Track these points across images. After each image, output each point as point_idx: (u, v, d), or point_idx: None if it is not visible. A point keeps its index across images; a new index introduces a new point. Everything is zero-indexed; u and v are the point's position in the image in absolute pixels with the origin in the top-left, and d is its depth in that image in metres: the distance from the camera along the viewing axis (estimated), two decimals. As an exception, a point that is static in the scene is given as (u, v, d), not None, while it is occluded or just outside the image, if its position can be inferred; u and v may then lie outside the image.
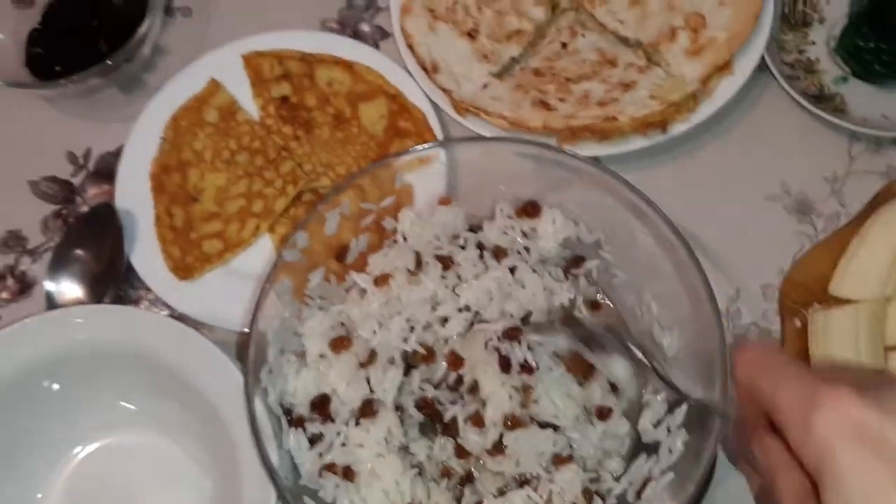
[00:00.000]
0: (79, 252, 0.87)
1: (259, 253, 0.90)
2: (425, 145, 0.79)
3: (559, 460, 0.71)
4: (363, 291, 0.78)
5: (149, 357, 0.73)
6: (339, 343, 0.74)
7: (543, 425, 0.71)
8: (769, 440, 0.52)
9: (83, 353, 0.74)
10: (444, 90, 0.90)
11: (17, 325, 0.74)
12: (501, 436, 0.71)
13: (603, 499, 0.71)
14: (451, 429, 0.72)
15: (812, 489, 0.48)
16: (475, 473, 0.73)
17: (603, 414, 0.72)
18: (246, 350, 0.70)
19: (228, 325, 0.84)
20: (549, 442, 0.71)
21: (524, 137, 0.83)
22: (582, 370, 0.72)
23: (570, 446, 0.72)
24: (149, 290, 0.88)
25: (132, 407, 0.78)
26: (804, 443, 0.47)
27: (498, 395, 0.72)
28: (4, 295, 0.91)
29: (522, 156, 0.79)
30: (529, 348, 0.72)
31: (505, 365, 0.71)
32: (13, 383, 0.73)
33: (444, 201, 0.80)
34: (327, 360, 0.74)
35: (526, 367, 0.71)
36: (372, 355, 0.74)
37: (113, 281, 0.86)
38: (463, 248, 0.79)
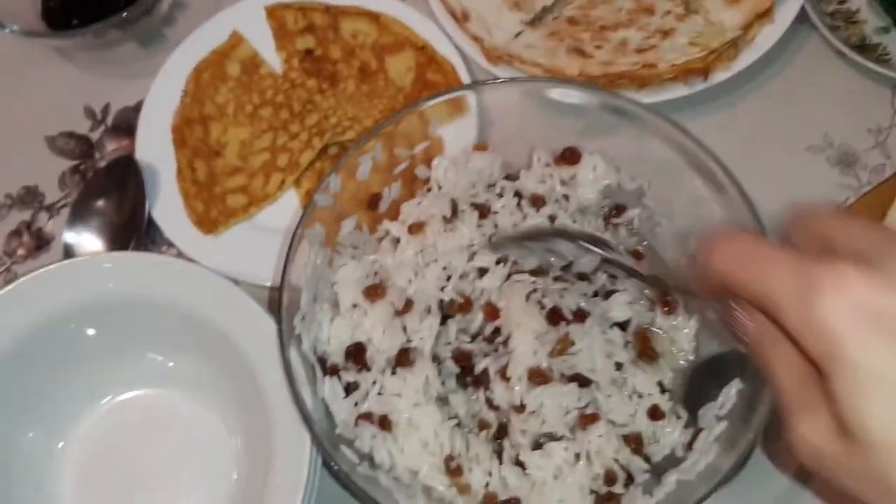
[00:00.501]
0: (99, 203, 0.84)
1: (284, 207, 0.87)
2: (463, 87, 0.75)
3: (585, 419, 0.67)
4: (396, 241, 0.75)
5: (180, 307, 0.70)
6: (374, 291, 0.71)
7: (573, 379, 0.68)
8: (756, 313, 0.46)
9: (113, 301, 0.71)
10: (476, 39, 0.87)
11: (44, 270, 0.71)
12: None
13: (647, 459, 0.68)
14: (481, 381, 0.69)
15: (814, 371, 0.42)
16: (509, 427, 0.70)
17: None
18: (277, 302, 0.67)
19: (254, 279, 0.82)
20: (573, 398, 0.67)
21: (566, 79, 0.80)
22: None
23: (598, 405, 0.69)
24: (171, 245, 0.85)
25: (160, 359, 0.75)
26: (806, 331, 0.41)
27: (524, 348, 0.69)
28: (20, 252, 0.88)
29: (558, 102, 0.76)
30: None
31: (554, 317, 0.67)
32: (40, 328, 0.70)
33: (480, 147, 0.77)
34: (361, 309, 0.71)
35: (579, 314, 0.68)
36: (408, 304, 0.71)
37: (134, 234, 0.83)
38: (500, 195, 0.76)
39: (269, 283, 0.81)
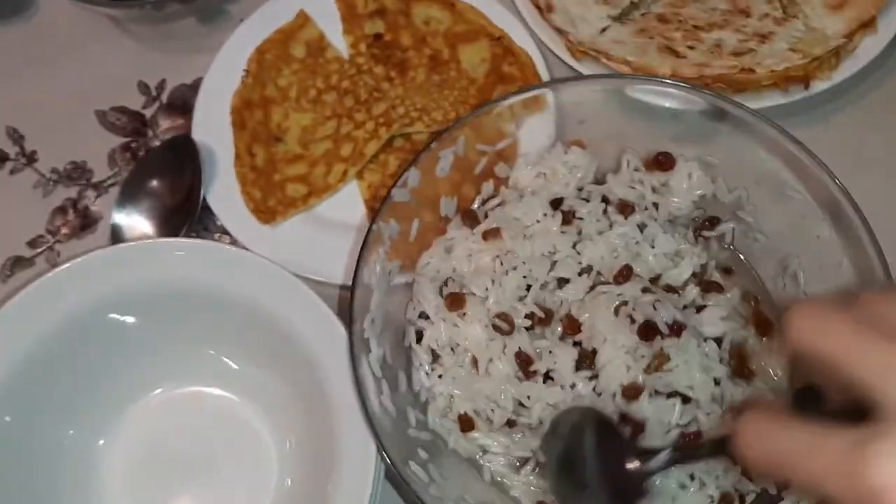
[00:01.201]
0: (153, 184, 0.79)
1: (345, 200, 0.82)
2: (555, 80, 0.70)
3: (689, 438, 0.62)
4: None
5: (238, 301, 0.65)
6: (455, 300, 0.66)
7: (671, 395, 0.63)
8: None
9: (172, 290, 0.66)
10: (560, 31, 0.82)
11: (94, 254, 0.66)
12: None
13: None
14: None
15: None
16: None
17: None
18: (347, 302, 0.62)
19: (311, 274, 0.77)
20: (673, 411, 0.62)
21: (665, 78, 0.74)
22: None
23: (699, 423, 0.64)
24: (225, 233, 0.81)
25: (213, 354, 0.70)
26: None
27: (617, 363, 0.64)
28: (65, 230, 0.84)
29: (647, 104, 0.70)
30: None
31: (647, 331, 0.62)
32: (85, 317, 0.65)
33: (578, 143, 0.72)
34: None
35: (676, 328, 0.62)
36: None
37: (188, 219, 0.78)
38: (586, 200, 0.70)
39: (325, 279, 0.76)
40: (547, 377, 0.65)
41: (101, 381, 0.68)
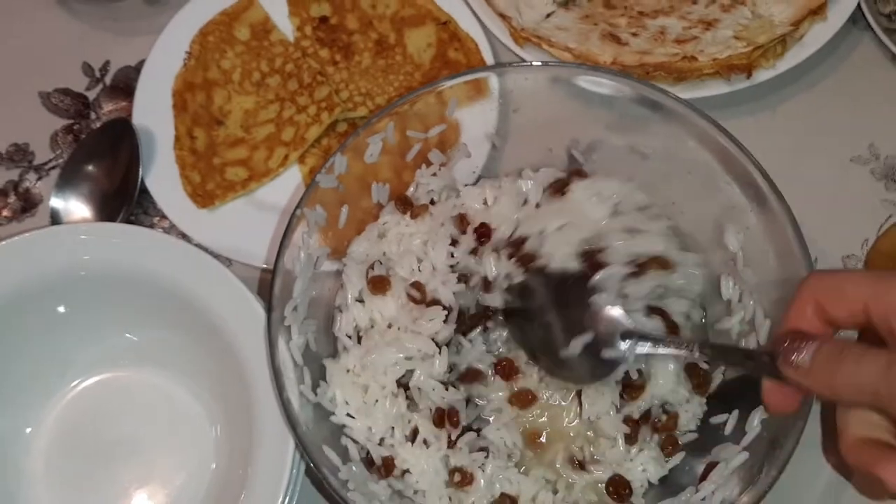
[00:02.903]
0: (90, 168, 0.79)
1: (286, 185, 0.82)
2: (487, 67, 0.69)
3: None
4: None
5: (163, 285, 0.65)
6: (378, 282, 0.66)
7: None
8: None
9: (88, 274, 0.65)
10: (503, 17, 0.81)
11: (19, 238, 0.66)
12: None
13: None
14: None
15: None
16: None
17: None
18: (269, 286, 0.61)
19: (248, 259, 0.76)
20: None
21: (599, 67, 0.73)
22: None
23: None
24: (163, 217, 0.80)
25: (138, 340, 0.70)
26: None
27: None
28: (6, 213, 0.83)
29: (587, 91, 0.70)
30: None
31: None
32: (9, 302, 0.65)
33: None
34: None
35: None
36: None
37: (125, 203, 0.78)
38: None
39: (263, 265, 0.76)
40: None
41: (27, 369, 0.68)
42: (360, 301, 0.67)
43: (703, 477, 0.61)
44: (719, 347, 0.63)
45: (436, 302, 0.65)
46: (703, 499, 0.59)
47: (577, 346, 0.59)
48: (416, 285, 0.65)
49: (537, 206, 0.69)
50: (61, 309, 0.67)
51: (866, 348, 0.46)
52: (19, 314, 0.66)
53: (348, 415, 0.62)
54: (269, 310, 0.61)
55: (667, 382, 0.65)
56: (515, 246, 0.64)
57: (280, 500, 0.59)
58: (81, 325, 0.68)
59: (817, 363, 0.47)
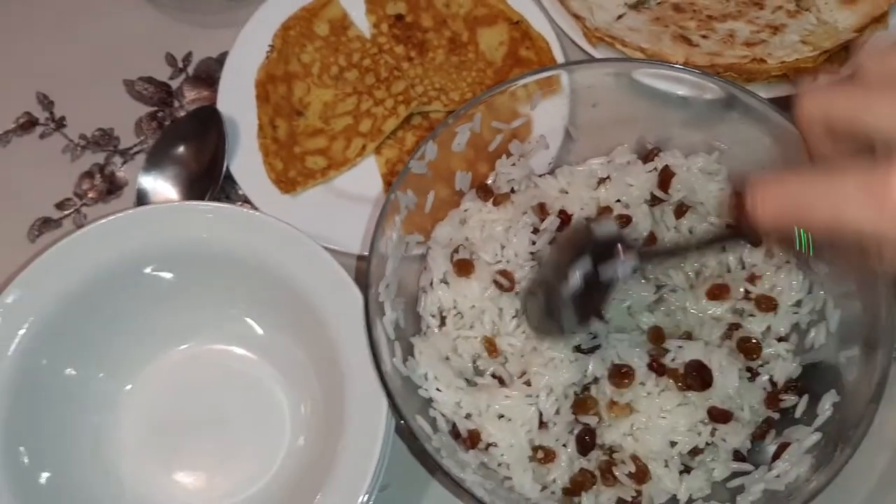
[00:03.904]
0: (178, 151, 0.82)
1: (363, 174, 0.85)
2: (567, 63, 0.73)
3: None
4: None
5: (261, 264, 0.68)
6: (463, 265, 0.69)
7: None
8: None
9: (193, 251, 0.69)
10: (577, 17, 0.84)
11: (150, 208, 0.71)
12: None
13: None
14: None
15: None
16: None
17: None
18: (364, 269, 0.65)
19: (326, 243, 0.79)
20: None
21: (677, 64, 0.76)
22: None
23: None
24: (246, 201, 0.83)
25: (235, 314, 0.73)
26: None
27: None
28: (92, 194, 0.87)
29: (657, 90, 0.73)
30: None
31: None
32: (118, 269, 0.69)
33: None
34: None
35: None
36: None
37: (211, 186, 0.81)
38: None
39: (340, 248, 0.79)
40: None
41: (131, 332, 0.72)
42: (445, 283, 0.70)
43: (776, 456, 0.64)
44: (704, 240, 0.64)
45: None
46: (778, 475, 0.62)
47: (576, 276, 0.58)
48: (505, 273, 0.68)
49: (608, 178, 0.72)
50: (172, 280, 0.71)
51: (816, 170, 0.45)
52: (134, 280, 0.69)
53: (437, 389, 0.65)
54: (367, 285, 0.64)
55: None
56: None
57: (371, 475, 0.62)
58: (184, 297, 0.71)
59: (771, 198, 0.45)
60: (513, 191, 0.74)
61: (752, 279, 0.69)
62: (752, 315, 0.68)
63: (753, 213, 0.45)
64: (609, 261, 0.57)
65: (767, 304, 0.68)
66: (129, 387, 0.73)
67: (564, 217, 0.71)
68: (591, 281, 0.58)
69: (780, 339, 0.68)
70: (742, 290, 0.69)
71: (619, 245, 0.58)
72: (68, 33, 0.94)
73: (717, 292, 0.68)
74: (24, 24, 0.94)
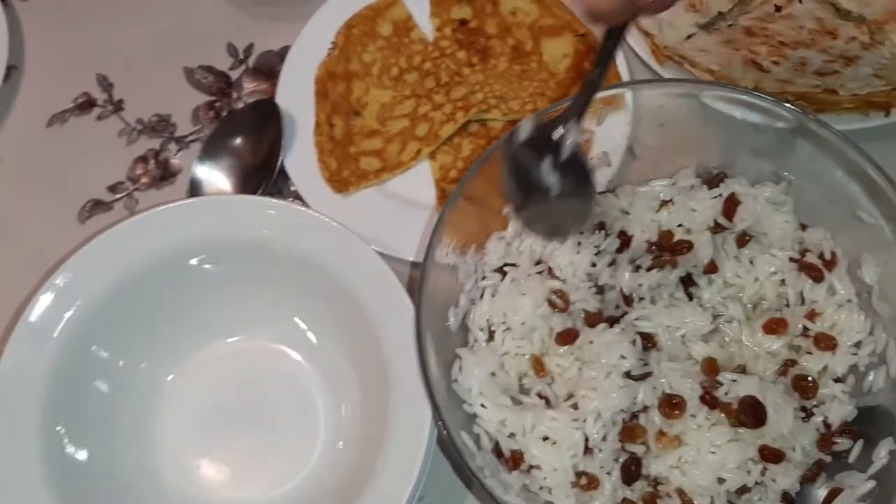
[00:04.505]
0: (235, 143, 0.82)
1: (417, 178, 0.84)
2: (634, 82, 0.71)
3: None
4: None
5: (314, 264, 0.68)
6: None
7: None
8: None
9: (245, 245, 0.69)
10: (646, 34, 0.83)
11: (215, 198, 0.72)
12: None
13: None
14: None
15: None
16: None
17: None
18: (408, 276, 0.64)
19: (378, 247, 0.78)
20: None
21: (746, 90, 0.75)
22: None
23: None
24: (298, 198, 0.83)
25: (283, 312, 0.73)
26: None
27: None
28: (145, 179, 0.87)
29: (723, 114, 0.71)
30: None
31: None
32: (168, 259, 0.69)
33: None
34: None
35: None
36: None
37: (265, 181, 0.81)
38: None
39: (390, 252, 0.78)
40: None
41: (177, 322, 0.72)
42: (495, 296, 0.69)
43: (827, 502, 0.62)
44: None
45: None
46: (831, 524, 0.60)
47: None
48: (560, 294, 0.67)
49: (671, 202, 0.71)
50: (223, 273, 0.71)
51: None
52: (183, 271, 0.70)
53: (482, 405, 0.64)
54: (419, 295, 0.63)
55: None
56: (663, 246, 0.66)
57: (412, 485, 0.61)
58: (233, 291, 0.71)
59: None
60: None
61: (812, 316, 0.67)
62: (809, 353, 0.66)
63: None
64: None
65: (826, 342, 0.66)
66: (171, 377, 0.73)
67: (624, 238, 0.70)
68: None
69: (836, 380, 0.66)
70: (801, 326, 0.67)
71: None
72: (133, 17, 0.94)
73: (775, 326, 0.66)
74: (91, 4, 0.94)
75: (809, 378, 0.65)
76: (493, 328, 0.69)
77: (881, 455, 0.62)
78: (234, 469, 0.72)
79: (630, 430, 0.62)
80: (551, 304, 0.67)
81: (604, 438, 0.62)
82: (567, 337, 0.66)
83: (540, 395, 0.65)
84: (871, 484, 0.61)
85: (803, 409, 0.65)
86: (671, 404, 0.62)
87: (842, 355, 0.66)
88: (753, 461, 0.62)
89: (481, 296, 0.69)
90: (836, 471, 0.63)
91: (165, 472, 0.71)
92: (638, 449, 0.62)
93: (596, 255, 0.69)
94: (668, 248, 0.68)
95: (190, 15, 0.93)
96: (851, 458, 0.63)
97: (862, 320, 0.66)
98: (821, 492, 0.63)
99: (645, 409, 0.63)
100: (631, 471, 0.62)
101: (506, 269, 0.70)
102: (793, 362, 0.66)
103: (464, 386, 0.65)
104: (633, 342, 0.64)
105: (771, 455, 0.62)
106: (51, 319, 0.67)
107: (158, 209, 0.69)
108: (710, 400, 0.62)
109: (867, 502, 0.60)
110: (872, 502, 0.60)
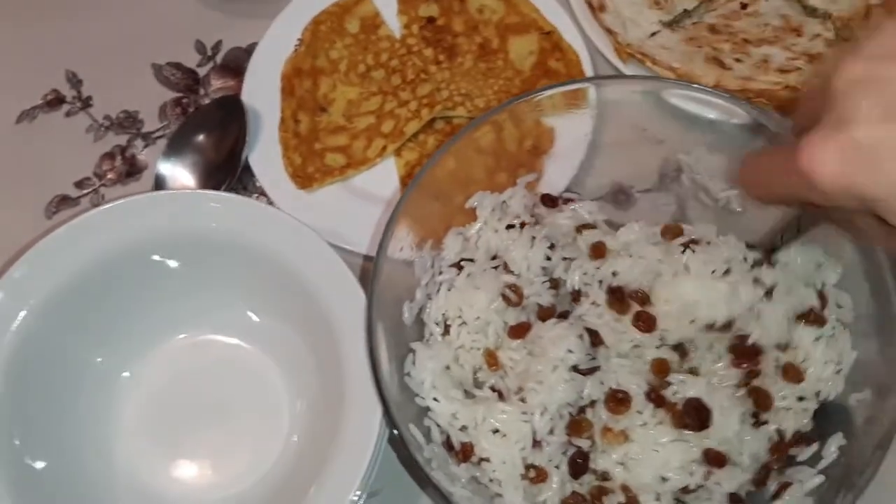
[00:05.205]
0: (199, 139, 0.82)
1: (382, 175, 0.84)
2: (592, 78, 0.71)
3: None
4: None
5: (271, 258, 0.68)
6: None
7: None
8: None
9: (203, 240, 0.69)
10: (609, 31, 0.83)
11: (158, 194, 0.71)
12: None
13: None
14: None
15: None
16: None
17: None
18: (368, 270, 0.64)
19: (341, 242, 0.79)
20: None
21: (705, 87, 0.75)
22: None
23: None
24: (262, 194, 0.83)
25: (240, 307, 0.73)
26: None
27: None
28: (111, 175, 0.87)
29: (686, 111, 0.71)
30: None
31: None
32: (124, 254, 0.69)
33: None
34: None
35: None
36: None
37: (228, 176, 0.81)
38: None
39: (354, 248, 0.78)
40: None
41: (133, 317, 0.71)
42: (451, 290, 0.69)
43: (776, 496, 0.62)
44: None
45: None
46: (775, 519, 0.60)
47: None
48: (514, 288, 0.67)
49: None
50: (178, 268, 0.70)
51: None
52: (141, 265, 0.69)
53: (434, 398, 0.64)
54: (371, 287, 0.63)
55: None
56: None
57: (360, 479, 0.61)
58: (190, 286, 0.71)
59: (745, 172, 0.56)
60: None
61: (785, 347, 0.65)
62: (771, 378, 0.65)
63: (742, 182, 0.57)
64: None
65: (794, 375, 0.64)
66: (127, 374, 0.73)
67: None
68: None
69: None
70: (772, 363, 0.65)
71: None
72: (103, 13, 0.94)
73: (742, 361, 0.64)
74: (60, 1, 0.95)
75: (768, 392, 0.64)
76: (448, 322, 0.69)
77: (831, 450, 0.61)
78: (195, 467, 0.72)
79: (576, 424, 0.62)
80: (505, 298, 0.67)
81: (551, 432, 0.62)
82: (519, 330, 0.66)
83: (493, 389, 0.65)
84: (819, 479, 0.60)
85: (755, 415, 0.64)
86: (616, 400, 0.62)
87: (807, 386, 0.64)
88: (697, 463, 0.61)
89: (437, 290, 0.69)
90: (786, 466, 0.63)
91: (124, 471, 0.71)
92: (584, 443, 0.62)
93: (550, 248, 0.69)
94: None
95: (159, 12, 0.94)
96: (803, 458, 0.63)
97: (840, 351, 0.64)
98: (772, 485, 0.63)
99: (592, 403, 0.63)
100: (578, 464, 0.62)
101: (462, 263, 0.70)
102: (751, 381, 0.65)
103: (416, 379, 0.65)
104: (581, 337, 0.63)
105: (715, 459, 0.61)
106: (5, 315, 0.67)
107: (109, 206, 0.69)
108: (656, 398, 0.62)
109: (815, 496, 0.60)
110: (820, 497, 0.60)
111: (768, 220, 0.68)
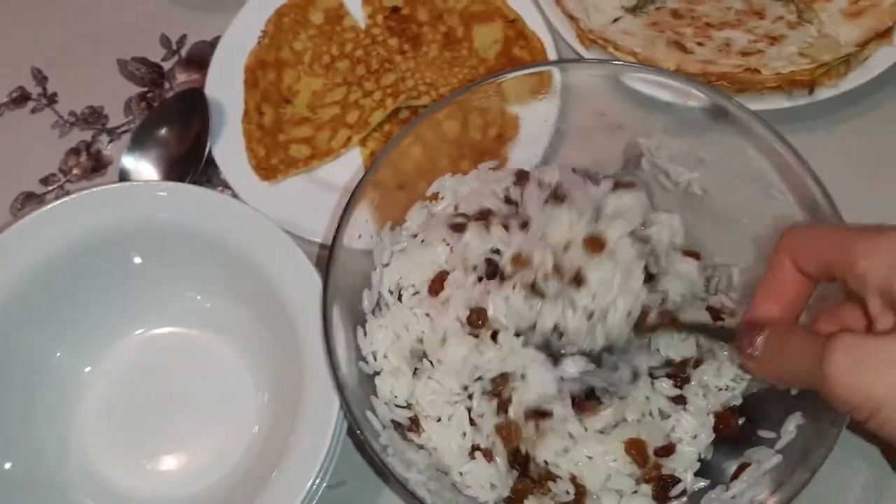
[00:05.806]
0: (162, 133, 0.82)
1: (347, 165, 0.84)
2: (551, 62, 0.71)
3: None
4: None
5: (230, 249, 0.68)
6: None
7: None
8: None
9: (162, 231, 0.69)
10: (572, 18, 0.83)
11: (100, 189, 0.70)
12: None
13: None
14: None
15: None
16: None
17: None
18: (326, 257, 0.64)
19: (305, 233, 0.79)
20: None
21: (666, 70, 0.75)
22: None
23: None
24: (226, 186, 0.83)
25: (200, 299, 0.73)
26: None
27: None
28: (76, 171, 0.87)
29: (647, 95, 0.71)
30: None
31: None
32: (89, 247, 0.69)
33: None
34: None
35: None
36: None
37: (192, 169, 0.81)
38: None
39: (319, 240, 0.78)
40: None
41: (93, 312, 0.71)
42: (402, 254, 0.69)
43: (735, 476, 0.62)
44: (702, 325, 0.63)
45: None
46: (734, 497, 0.60)
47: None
48: (458, 227, 0.66)
49: None
50: (137, 260, 0.71)
51: (807, 334, 0.48)
52: (97, 260, 0.69)
53: (376, 372, 0.65)
54: (326, 273, 0.63)
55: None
56: None
57: (320, 463, 0.61)
58: (153, 279, 0.71)
59: (765, 352, 0.49)
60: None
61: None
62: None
63: (747, 362, 0.51)
64: None
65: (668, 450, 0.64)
66: (88, 368, 0.72)
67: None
68: None
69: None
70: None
71: None
72: (68, 9, 0.95)
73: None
74: (25, -1, 0.95)
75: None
76: (402, 290, 0.68)
77: (790, 429, 0.61)
78: (161, 462, 0.71)
79: (506, 431, 0.62)
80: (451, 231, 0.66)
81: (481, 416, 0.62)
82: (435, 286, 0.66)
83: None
84: (777, 458, 0.60)
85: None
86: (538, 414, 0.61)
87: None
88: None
89: (391, 258, 0.69)
90: (745, 447, 0.63)
91: (88, 471, 0.71)
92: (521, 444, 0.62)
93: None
94: None
95: (124, 7, 0.94)
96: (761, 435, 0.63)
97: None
98: (732, 465, 0.63)
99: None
100: (519, 454, 0.62)
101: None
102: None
103: (366, 353, 0.65)
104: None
105: (661, 451, 0.63)
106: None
107: (63, 200, 0.69)
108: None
109: (773, 475, 0.60)
110: (778, 476, 0.60)
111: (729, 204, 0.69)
